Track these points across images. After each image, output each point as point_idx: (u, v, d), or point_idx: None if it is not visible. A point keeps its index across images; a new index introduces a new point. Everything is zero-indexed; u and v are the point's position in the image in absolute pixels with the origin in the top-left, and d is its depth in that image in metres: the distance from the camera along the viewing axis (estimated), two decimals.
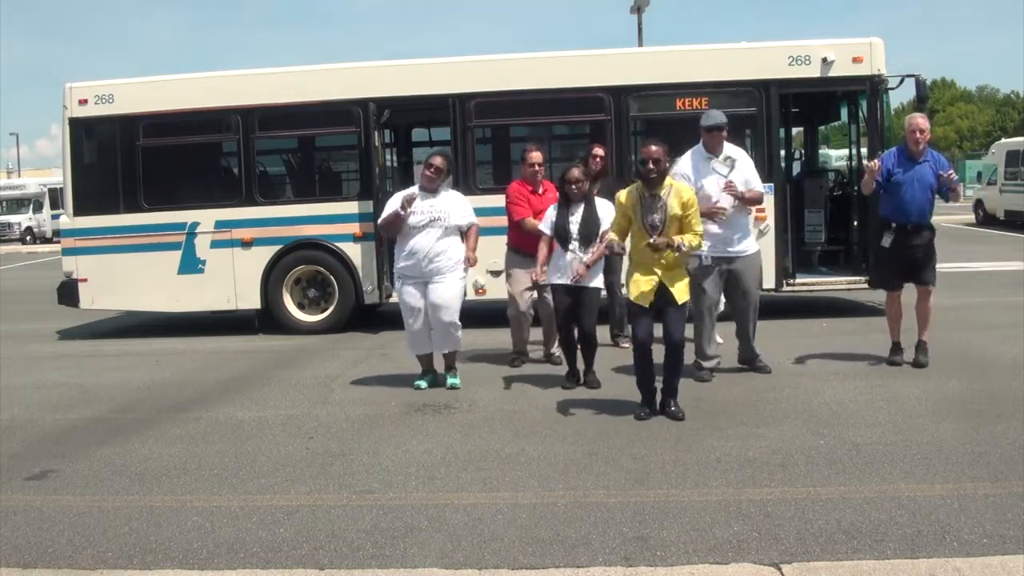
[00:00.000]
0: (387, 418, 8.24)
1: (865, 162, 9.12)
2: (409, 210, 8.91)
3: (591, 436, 7.36)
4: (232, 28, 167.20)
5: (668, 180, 7.81)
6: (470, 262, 9.23)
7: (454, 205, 9.18)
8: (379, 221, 9.22)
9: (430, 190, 9.11)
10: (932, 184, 9.16)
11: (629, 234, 7.89)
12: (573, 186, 8.96)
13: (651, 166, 7.66)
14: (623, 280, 10.92)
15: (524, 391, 9.08)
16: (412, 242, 9.02)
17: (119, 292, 13.42)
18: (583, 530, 5.38)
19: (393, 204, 9.12)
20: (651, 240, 7.54)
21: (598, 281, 9.15)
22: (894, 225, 9.24)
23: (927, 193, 9.18)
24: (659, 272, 7.68)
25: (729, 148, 9.24)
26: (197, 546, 5.38)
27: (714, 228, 8.94)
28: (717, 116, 9.26)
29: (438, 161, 9.16)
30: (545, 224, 9.13)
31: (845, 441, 6.93)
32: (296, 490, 6.34)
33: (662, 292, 7.70)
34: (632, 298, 7.77)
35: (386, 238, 9.79)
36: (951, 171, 9.20)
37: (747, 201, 9.22)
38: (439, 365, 9.52)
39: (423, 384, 9.34)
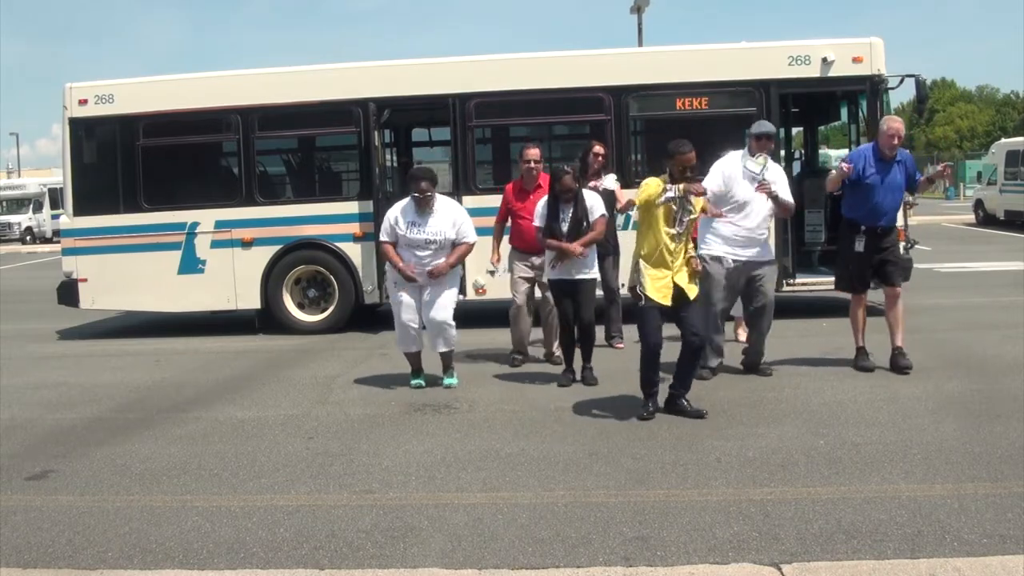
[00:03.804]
0: (387, 418, 8.24)
1: (843, 164, 9.09)
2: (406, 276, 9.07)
3: (591, 436, 7.36)
4: (234, 28, 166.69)
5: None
6: (437, 269, 9.00)
7: (449, 223, 9.05)
8: (382, 246, 9.24)
9: (425, 208, 9.05)
10: (902, 185, 9.19)
11: (640, 232, 7.87)
12: (567, 192, 9.11)
13: (688, 174, 7.65)
14: (623, 282, 10.98)
15: (524, 391, 9.09)
16: (411, 256, 9.02)
17: (119, 292, 13.42)
18: (583, 530, 5.37)
19: (391, 221, 9.09)
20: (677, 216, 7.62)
21: (593, 272, 9.26)
22: (863, 228, 9.18)
23: (898, 195, 9.18)
24: (673, 268, 7.66)
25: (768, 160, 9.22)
26: (197, 546, 5.38)
27: (737, 232, 8.99)
28: (766, 125, 9.37)
29: (424, 186, 8.96)
30: (538, 219, 9.28)
31: (845, 441, 6.93)
32: (296, 490, 6.34)
33: (676, 290, 7.68)
34: (649, 296, 7.67)
35: None
36: (920, 179, 9.25)
37: (780, 206, 9.19)
38: (428, 365, 9.50)
39: (421, 383, 9.36)
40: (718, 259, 9.04)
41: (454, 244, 9.09)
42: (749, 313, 9.49)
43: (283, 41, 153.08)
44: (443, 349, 9.34)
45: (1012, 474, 6.08)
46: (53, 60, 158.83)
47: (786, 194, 9.26)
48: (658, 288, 7.68)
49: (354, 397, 9.15)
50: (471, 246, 9.23)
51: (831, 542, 5.06)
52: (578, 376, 9.28)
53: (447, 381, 9.35)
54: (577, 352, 9.36)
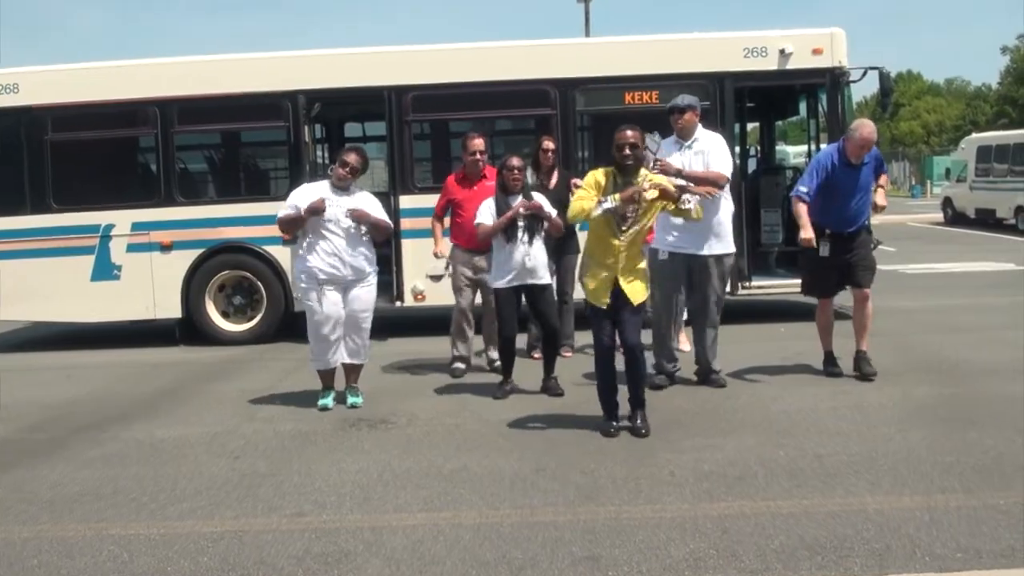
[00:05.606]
0: (319, 434, 8.17)
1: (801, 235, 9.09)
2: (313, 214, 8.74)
3: (538, 450, 7.34)
4: (167, 16, 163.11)
5: (643, 171, 7.65)
6: (353, 213, 8.79)
7: (369, 205, 8.94)
8: (280, 216, 8.99)
9: (343, 188, 8.92)
10: (871, 184, 9.11)
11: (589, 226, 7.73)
12: (515, 172, 9.07)
13: (627, 152, 7.46)
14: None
15: (467, 403, 9.05)
16: (330, 242, 8.78)
17: (27, 301, 13.14)
18: (530, 551, 5.36)
19: (296, 200, 8.88)
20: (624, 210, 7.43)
21: (548, 278, 9.22)
22: (828, 232, 9.06)
23: (867, 197, 9.09)
24: (615, 270, 7.54)
25: (701, 132, 9.17)
26: None
27: (673, 219, 8.83)
28: (678, 98, 9.23)
29: (353, 159, 8.87)
30: (485, 217, 9.12)
31: (807, 452, 6.98)
32: (221, 515, 6.25)
33: (616, 292, 7.57)
34: (587, 299, 7.67)
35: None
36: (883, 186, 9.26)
37: (699, 182, 8.85)
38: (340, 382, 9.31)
39: (330, 403, 9.06)
40: (652, 250, 9.00)
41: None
42: (690, 312, 9.49)
43: (232, 28, 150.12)
44: (360, 361, 9.18)
45: (986, 484, 6.15)
46: None
47: (716, 165, 9.05)
48: (592, 289, 7.61)
49: (284, 412, 9.04)
50: (391, 227, 9.26)
51: (793, 559, 5.09)
52: (512, 389, 9.26)
53: (352, 399, 9.09)
54: (516, 363, 9.35)
